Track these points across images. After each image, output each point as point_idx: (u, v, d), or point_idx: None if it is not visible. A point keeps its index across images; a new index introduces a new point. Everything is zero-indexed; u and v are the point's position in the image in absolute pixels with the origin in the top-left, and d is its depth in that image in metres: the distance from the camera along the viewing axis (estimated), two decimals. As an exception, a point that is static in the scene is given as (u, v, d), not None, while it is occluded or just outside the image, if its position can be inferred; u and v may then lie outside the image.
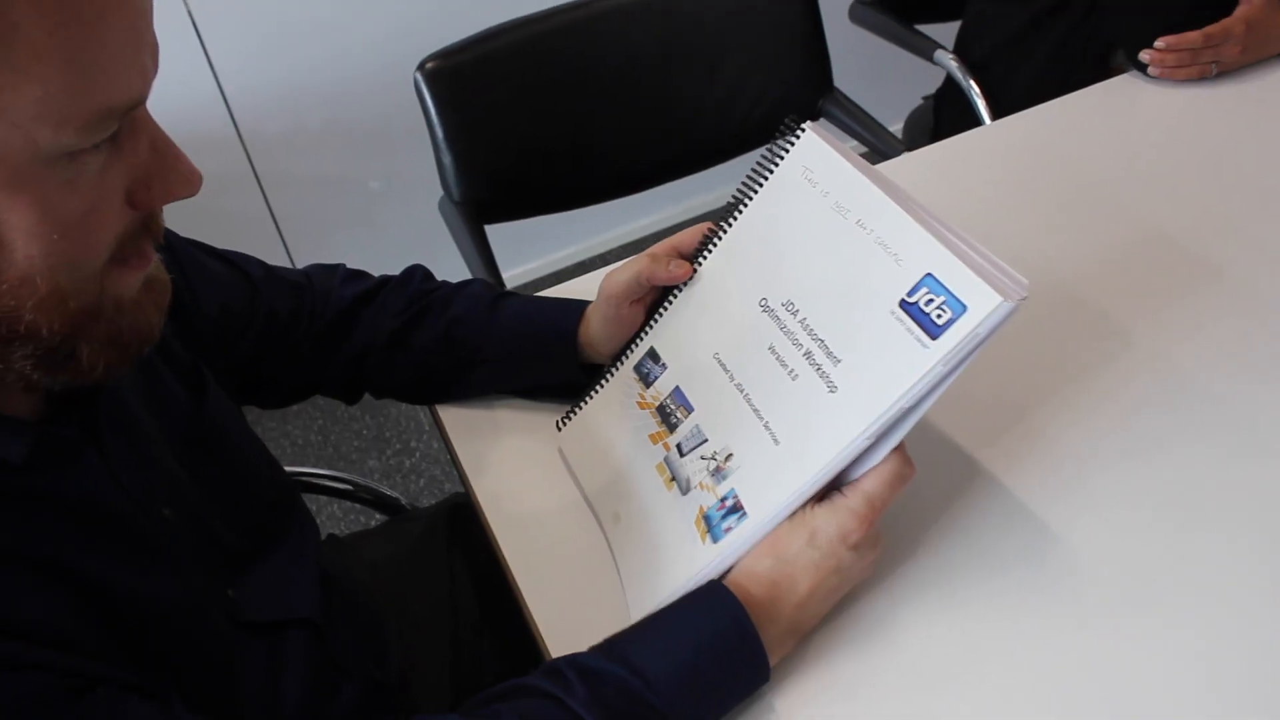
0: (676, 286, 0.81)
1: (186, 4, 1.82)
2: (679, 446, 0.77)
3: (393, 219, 2.23)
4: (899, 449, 0.67)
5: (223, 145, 2.02)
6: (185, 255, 0.80)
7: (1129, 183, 1.11)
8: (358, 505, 1.81)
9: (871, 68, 1.88)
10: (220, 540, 0.71)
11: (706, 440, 0.75)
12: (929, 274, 0.63)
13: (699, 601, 0.67)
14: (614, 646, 0.66)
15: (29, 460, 0.55)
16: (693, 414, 0.77)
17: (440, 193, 1.40)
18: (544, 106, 1.36)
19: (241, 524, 0.74)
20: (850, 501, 0.67)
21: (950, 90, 1.59)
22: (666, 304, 0.82)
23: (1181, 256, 1.00)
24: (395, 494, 1.16)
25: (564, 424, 0.88)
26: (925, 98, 1.77)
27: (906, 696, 0.69)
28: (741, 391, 0.74)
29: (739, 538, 0.69)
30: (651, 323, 0.83)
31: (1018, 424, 0.86)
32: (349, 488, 1.15)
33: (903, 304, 0.64)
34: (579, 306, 0.88)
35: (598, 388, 0.86)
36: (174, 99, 1.89)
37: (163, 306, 0.59)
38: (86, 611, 0.57)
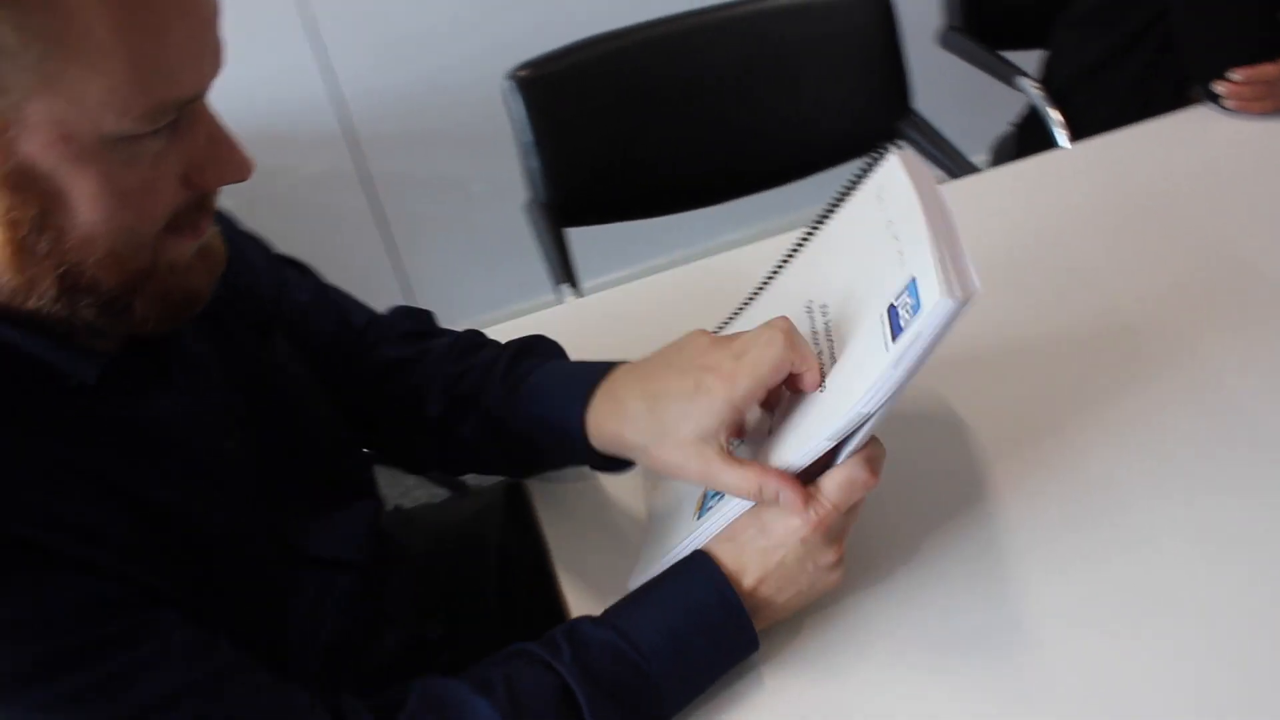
0: (761, 285, 0.87)
1: (308, 9, 1.94)
2: None
3: (492, 220, 2.33)
4: (865, 454, 0.68)
5: (331, 144, 2.15)
6: (229, 238, 0.87)
7: (1202, 211, 1.11)
8: (439, 492, 1.89)
9: (963, 93, 1.90)
10: (281, 477, 0.78)
11: None
12: (913, 278, 0.64)
13: (685, 571, 0.71)
14: (607, 615, 0.71)
15: (101, 383, 0.63)
16: None
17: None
18: (627, 116, 1.43)
19: (304, 466, 0.80)
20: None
21: (1033, 118, 1.60)
22: (748, 301, 0.88)
23: (1254, 285, 1.01)
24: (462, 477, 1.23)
25: None
26: (1012, 125, 1.78)
27: (894, 679, 0.72)
28: None
29: (716, 515, 0.73)
30: (731, 318, 0.89)
31: (1053, 437, 0.88)
32: (419, 464, 1.22)
33: (890, 308, 0.65)
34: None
35: None
36: (285, 101, 2.03)
37: (214, 273, 0.67)
38: (145, 532, 0.63)
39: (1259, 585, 0.75)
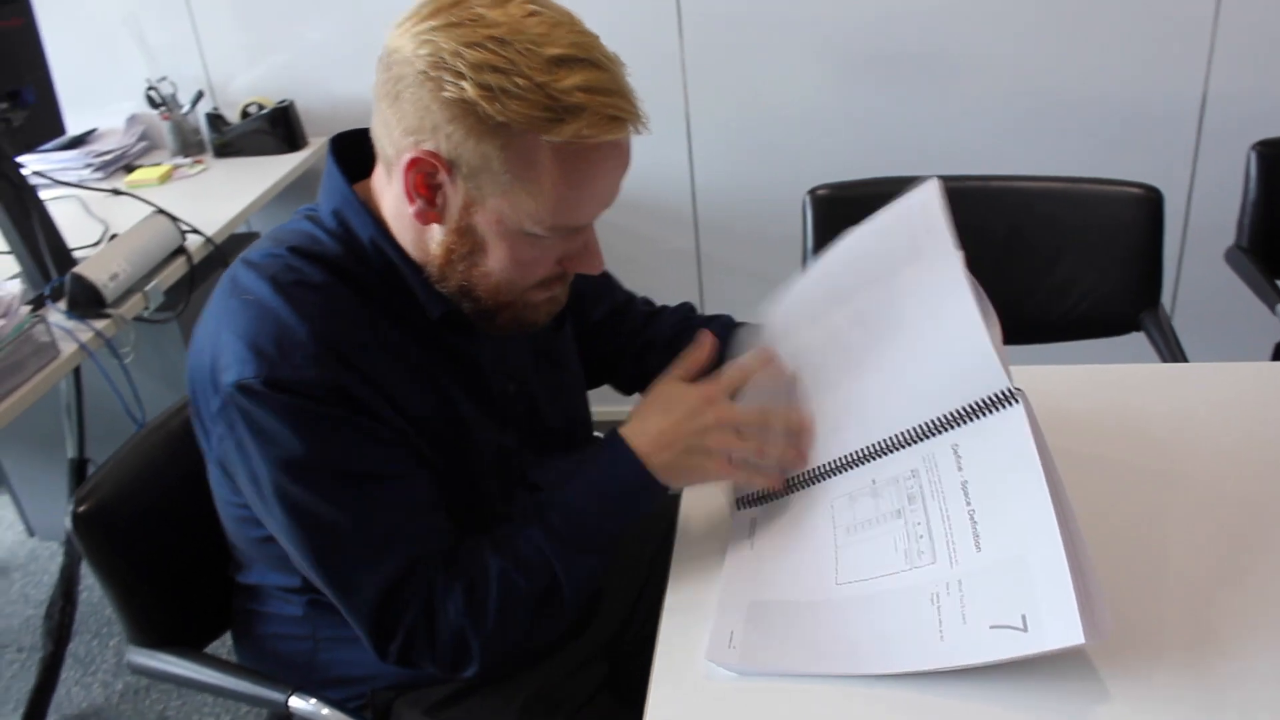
0: None
1: (688, 121, 2.41)
2: None
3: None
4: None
5: (683, 225, 2.58)
6: None
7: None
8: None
9: (1245, 307, 1.96)
10: (535, 423, 1.09)
11: None
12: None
13: (609, 457, 0.98)
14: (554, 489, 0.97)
15: (441, 318, 0.97)
16: None
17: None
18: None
19: (554, 420, 1.11)
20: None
21: (1282, 347, 1.66)
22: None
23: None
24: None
25: None
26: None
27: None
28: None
29: None
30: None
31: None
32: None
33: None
34: None
35: None
36: (662, 185, 2.51)
37: (552, 314, 1.00)
38: (440, 423, 0.96)
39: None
